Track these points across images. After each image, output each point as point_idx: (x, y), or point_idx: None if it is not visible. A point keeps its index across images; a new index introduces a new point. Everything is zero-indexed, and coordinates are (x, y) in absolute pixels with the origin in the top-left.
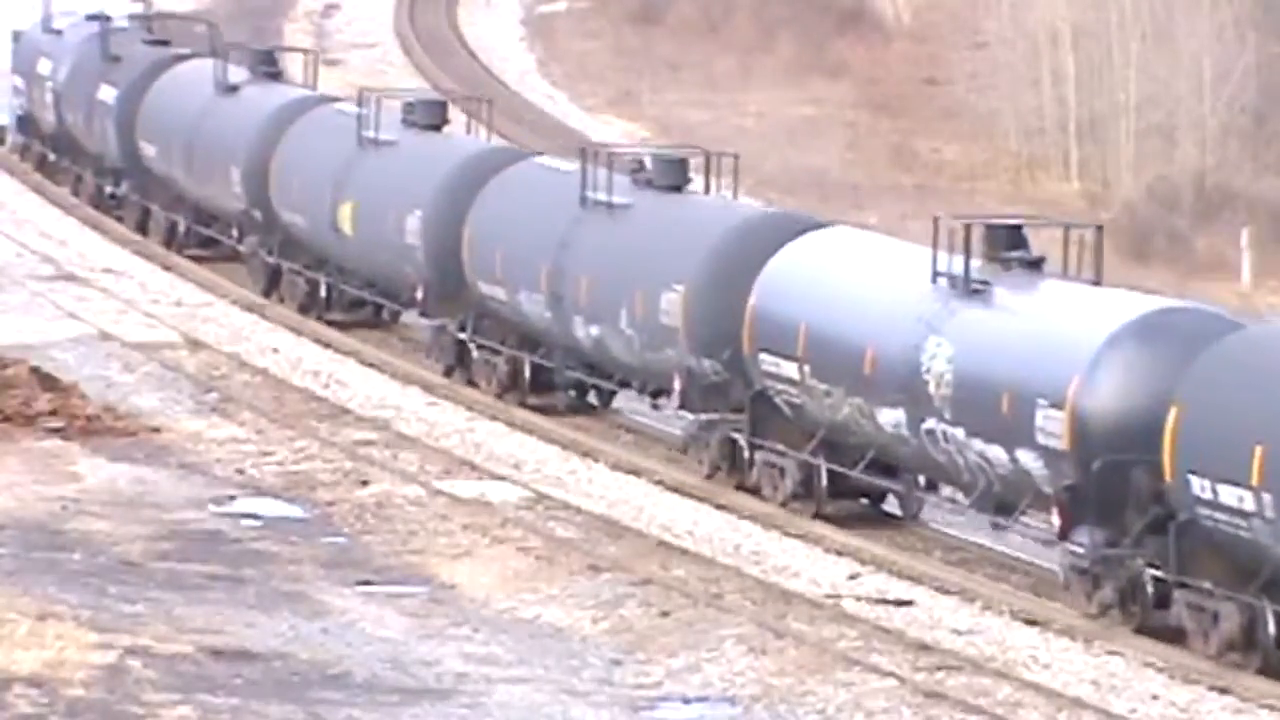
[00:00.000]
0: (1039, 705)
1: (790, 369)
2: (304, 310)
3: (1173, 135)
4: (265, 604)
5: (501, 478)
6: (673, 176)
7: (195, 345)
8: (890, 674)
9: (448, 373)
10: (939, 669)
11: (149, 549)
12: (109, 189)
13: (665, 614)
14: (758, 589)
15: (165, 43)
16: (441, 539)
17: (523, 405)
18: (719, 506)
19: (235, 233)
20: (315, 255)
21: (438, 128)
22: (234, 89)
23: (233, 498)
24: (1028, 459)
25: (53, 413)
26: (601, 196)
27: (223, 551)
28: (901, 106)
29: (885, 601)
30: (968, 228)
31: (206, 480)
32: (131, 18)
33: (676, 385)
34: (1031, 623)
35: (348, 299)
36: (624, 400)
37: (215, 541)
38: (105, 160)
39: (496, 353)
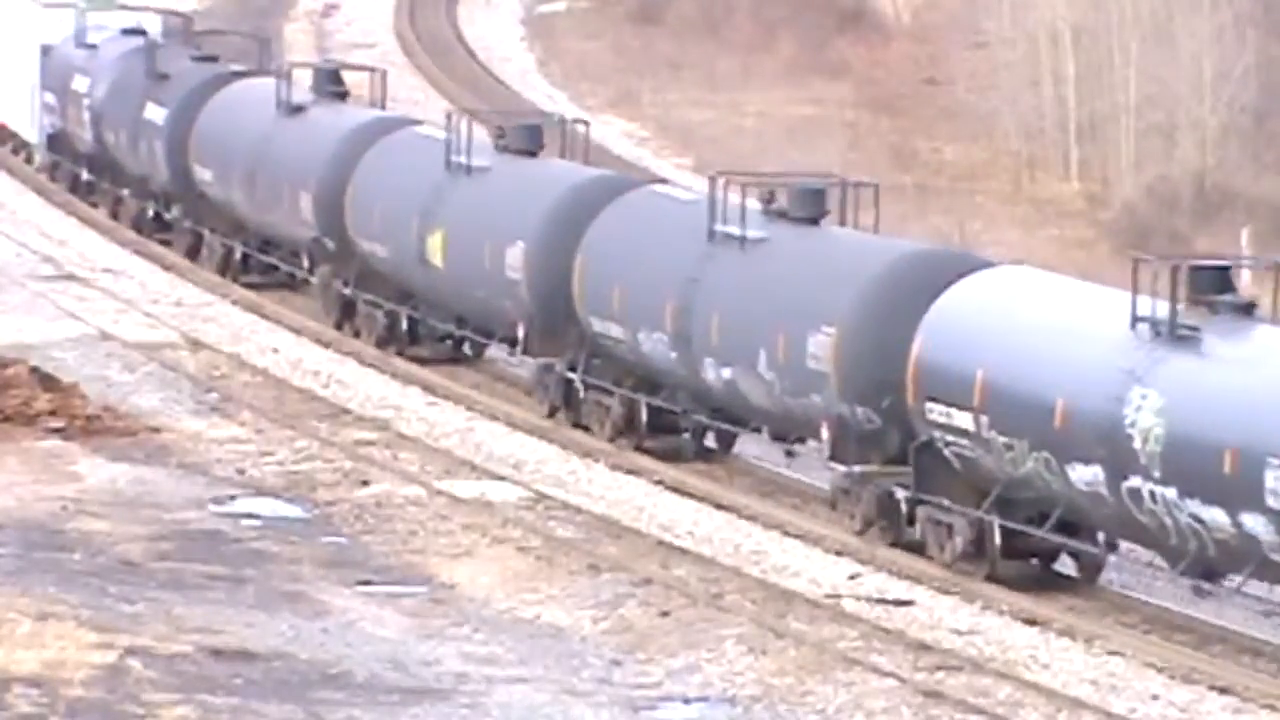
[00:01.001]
0: (1039, 705)
1: (963, 420)
2: (382, 345)
3: (1173, 135)
4: (265, 604)
5: (501, 478)
6: (809, 208)
7: (195, 345)
8: (890, 674)
9: (552, 413)
10: (939, 669)
11: (149, 549)
12: (151, 211)
13: (665, 614)
14: (758, 589)
15: (214, 59)
16: (441, 539)
17: (639, 449)
18: (719, 506)
19: (305, 262)
20: (397, 288)
21: (533, 153)
22: (299, 109)
23: (233, 498)
24: (1255, 523)
25: (53, 413)
26: (733, 230)
27: (223, 551)
28: (901, 106)
29: (885, 601)
30: (1175, 269)
31: (206, 480)
32: (172, 33)
33: (825, 434)
34: (1031, 623)
35: (434, 334)
36: (743, 445)
37: (215, 541)
38: (152, 183)
39: (609, 393)
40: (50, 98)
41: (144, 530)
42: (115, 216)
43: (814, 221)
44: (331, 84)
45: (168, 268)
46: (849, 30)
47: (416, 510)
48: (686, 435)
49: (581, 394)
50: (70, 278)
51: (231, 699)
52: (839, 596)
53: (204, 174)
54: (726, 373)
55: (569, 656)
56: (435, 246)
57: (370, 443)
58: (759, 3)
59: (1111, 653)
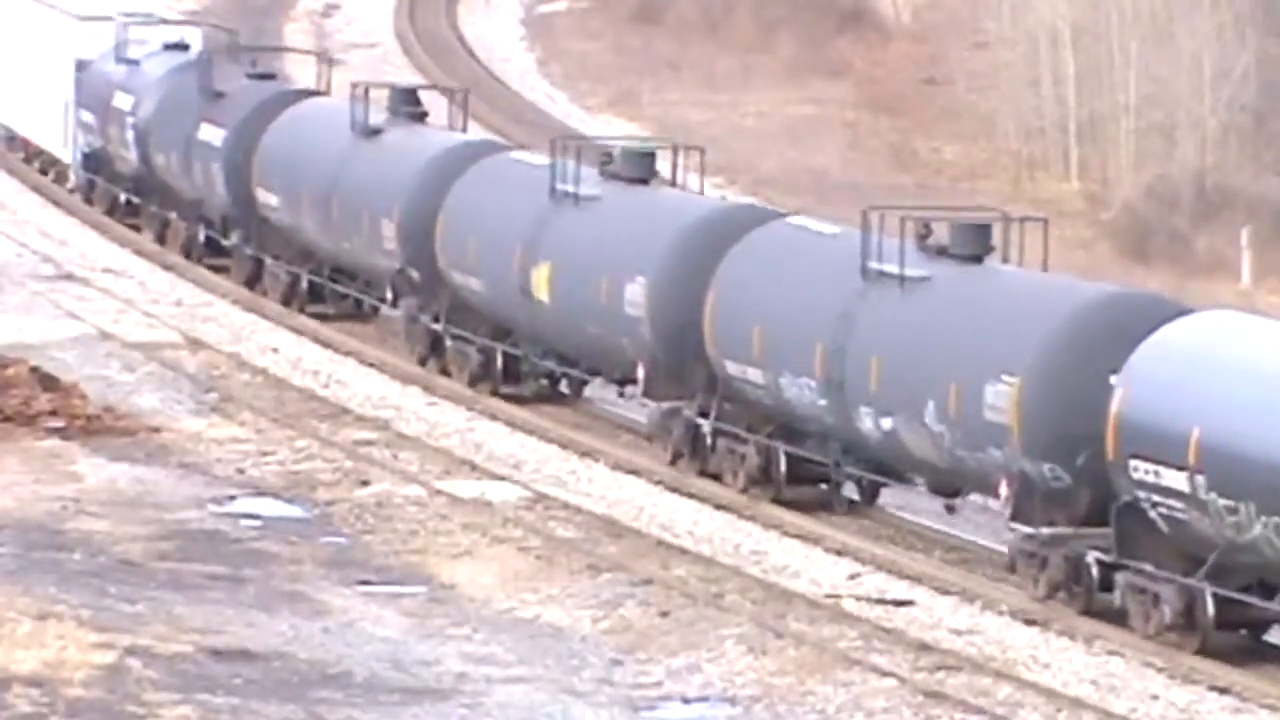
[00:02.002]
0: (1039, 705)
1: (1175, 479)
2: (475, 383)
3: (1173, 135)
4: (265, 604)
5: (501, 478)
6: (973, 244)
7: (195, 345)
8: (890, 674)
9: (675, 459)
10: (939, 669)
11: (149, 549)
12: (202, 235)
13: (665, 614)
14: (758, 589)
15: (270, 76)
16: (441, 539)
17: (776, 501)
18: (719, 507)
19: (389, 294)
20: (496, 323)
21: (645, 180)
22: (376, 132)
23: (233, 498)
24: None
25: (53, 413)
26: (890, 268)
27: (223, 551)
28: (901, 106)
29: (885, 601)
30: None
31: (206, 480)
32: (216, 47)
33: (1004, 492)
34: (1031, 623)
35: (536, 371)
36: (888, 496)
37: (215, 541)
38: (207, 207)
39: (743, 440)
40: (88, 115)
41: (144, 530)
42: (161, 241)
43: (978, 259)
44: (408, 104)
45: (168, 268)
46: (849, 30)
47: (416, 510)
48: (825, 485)
49: (709, 440)
50: (70, 278)
51: (231, 699)
52: (839, 596)
53: (269, 199)
54: (887, 423)
55: (569, 656)
56: (541, 280)
57: (370, 443)
58: (759, 3)
59: (1111, 653)
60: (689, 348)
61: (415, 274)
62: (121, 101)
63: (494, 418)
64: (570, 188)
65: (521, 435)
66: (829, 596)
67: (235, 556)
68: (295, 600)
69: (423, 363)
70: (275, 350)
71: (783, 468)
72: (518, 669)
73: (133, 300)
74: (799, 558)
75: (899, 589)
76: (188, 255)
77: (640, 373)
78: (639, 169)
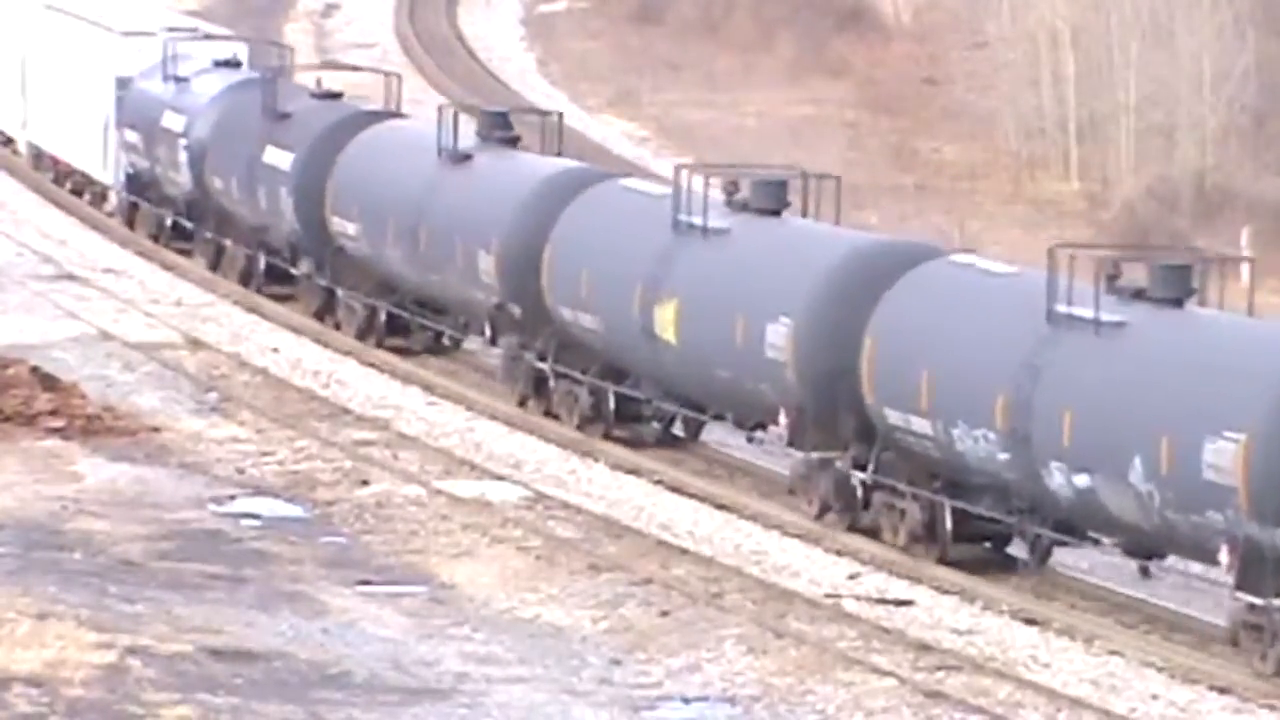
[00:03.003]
0: (1039, 705)
1: None
2: (585, 425)
3: (1173, 135)
4: (265, 604)
5: (501, 478)
6: (1174, 287)
7: (195, 345)
8: (890, 674)
9: (822, 512)
10: (939, 669)
11: (149, 549)
12: (262, 261)
13: (665, 614)
14: (758, 589)
15: (337, 96)
16: (441, 539)
17: (942, 561)
18: (719, 506)
19: (487, 330)
20: (610, 363)
21: (776, 212)
22: (466, 157)
23: (233, 498)
24: None
25: (53, 413)
26: (1082, 311)
27: (223, 551)
28: (901, 106)
29: (885, 601)
30: None
31: (206, 480)
32: (265, 64)
33: (1226, 558)
34: (1031, 623)
35: (660, 415)
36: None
37: (215, 541)
38: (272, 234)
39: (905, 495)
40: (132, 135)
41: (144, 530)
42: (215, 268)
43: (1178, 303)
44: (500, 128)
45: (168, 268)
46: (849, 30)
47: (416, 510)
48: (991, 544)
49: (860, 493)
50: (70, 278)
51: (231, 699)
52: (839, 596)
53: (345, 227)
54: (1081, 480)
55: (569, 656)
56: (666, 319)
57: (370, 442)
58: (759, 3)
59: (1111, 653)
60: (841, 395)
61: (516, 310)
62: (172, 121)
63: (494, 418)
64: (696, 220)
65: (521, 435)
66: (829, 596)
67: (235, 556)
68: (295, 600)
69: (523, 403)
70: (275, 350)
71: (948, 525)
72: (518, 669)
73: (133, 300)
74: (799, 558)
75: (899, 589)
76: (245, 283)
77: (783, 421)
78: (770, 199)
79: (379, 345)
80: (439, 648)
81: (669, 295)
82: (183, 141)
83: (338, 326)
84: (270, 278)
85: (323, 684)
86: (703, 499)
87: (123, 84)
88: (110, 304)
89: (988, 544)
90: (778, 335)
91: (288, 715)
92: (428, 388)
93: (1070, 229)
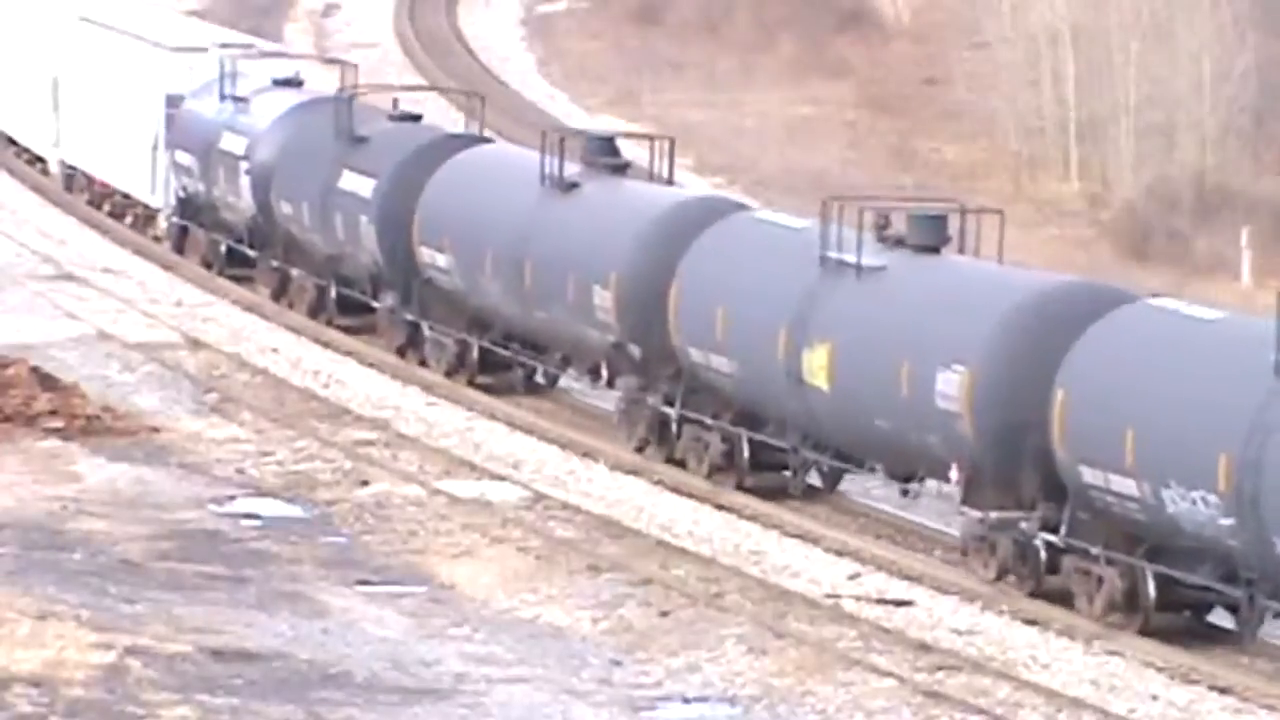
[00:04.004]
0: (1039, 705)
1: None
2: (715, 473)
3: (1173, 135)
4: (265, 604)
5: (501, 478)
6: None
7: (195, 345)
8: (890, 674)
9: (1000, 575)
10: (939, 669)
11: (149, 549)
12: (334, 292)
13: (665, 614)
14: (758, 589)
15: (415, 118)
16: (441, 539)
17: (1144, 632)
18: (719, 506)
19: (604, 370)
20: (748, 409)
21: (936, 249)
22: (573, 186)
23: (233, 498)
24: None
25: (53, 413)
26: None
27: (223, 551)
28: (901, 106)
29: (885, 601)
30: None
31: (206, 480)
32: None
33: None
34: (1031, 623)
35: (804, 465)
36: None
37: (215, 541)
38: (349, 264)
39: (1100, 560)
40: (185, 157)
41: (144, 530)
42: (277, 298)
43: None
44: (607, 154)
45: (167, 268)
46: (849, 30)
47: (416, 510)
48: (1192, 611)
49: (1043, 555)
50: (70, 278)
51: (231, 699)
52: (839, 596)
53: (436, 259)
54: None
55: (569, 656)
56: (817, 364)
57: (370, 443)
58: (759, 3)
59: (1111, 653)
60: (1026, 450)
61: (636, 350)
62: (231, 143)
63: (493, 417)
64: (848, 257)
65: (521, 435)
66: (829, 596)
67: (235, 556)
68: (295, 600)
69: (642, 448)
70: (275, 350)
71: (1151, 593)
72: (518, 669)
73: (133, 300)
74: (799, 558)
75: (899, 589)
76: (314, 315)
77: (954, 476)
78: (929, 235)
79: (470, 383)
80: (439, 648)
81: (819, 338)
82: (244, 165)
83: (423, 363)
84: (343, 309)
85: (323, 684)
86: (703, 499)
87: (173, 102)
88: (110, 304)
89: (1188, 612)
90: (950, 384)
91: (288, 715)
92: (428, 388)
93: (1070, 229)
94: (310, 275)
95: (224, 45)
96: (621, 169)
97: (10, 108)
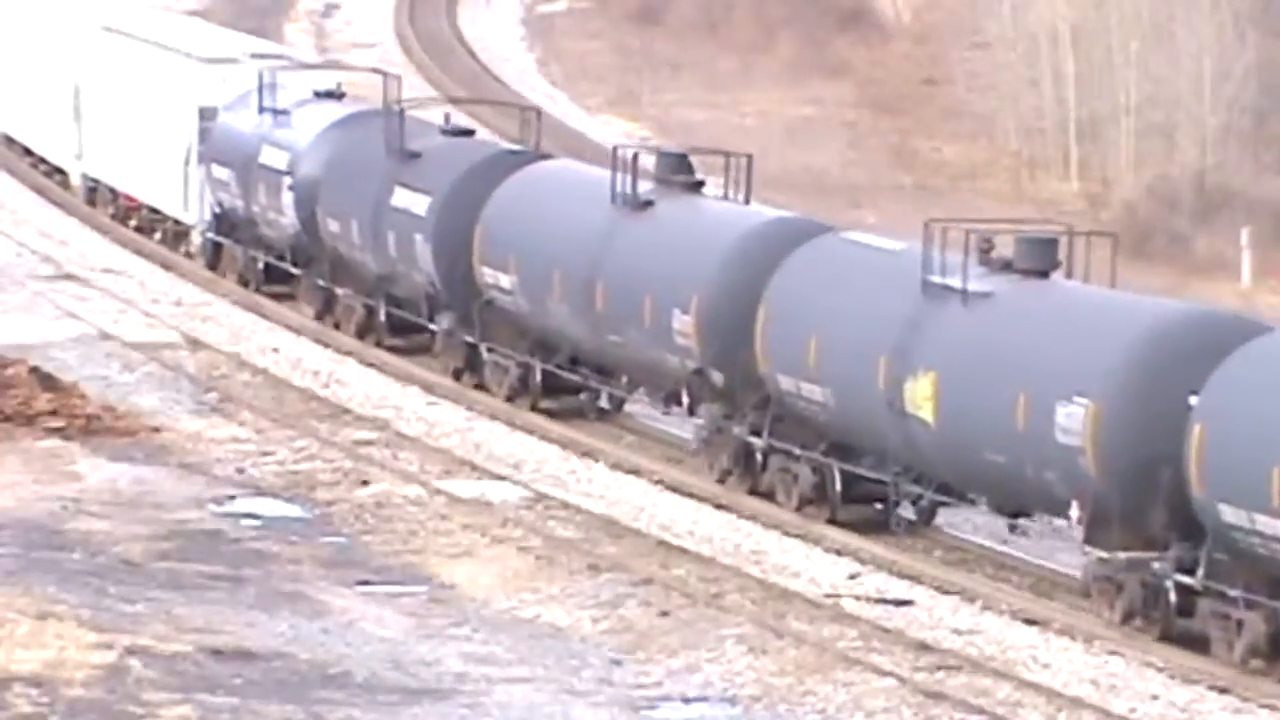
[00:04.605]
0: (1039, 705)
1: None
2: (805, 505)
3: (1173, 135)
4: (265, 604)
5: (501, 478)
6: None
7: (195, 345)
8: (890, 674)
9: (1126, 618)
10: (939, 669)
11: (149, 549)
12: (382, 313)
13: (665, 614)
14: (758, 589)
15: (468, 133)
16: (441, 539)
17: None
18: (719, 506)
19: (684, 398)
20: (842, 440)
21: (1045, 273)
22: (647, 204)
23: (233, 498)
24: None
25: (53, 413)
26: None
27: (223, 551)
28: (901, 106)
29: (885, 601)
30: None
31: (206, 480)
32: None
33: None
34: (1031, 623)
35: (908, 498)
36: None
37: (215, 541)
38: (402, 284)
39: (1241, 603)
40: (221, 171)
41: (144, 530)
42: (321, 317)
43: None
44: (680, 171)
45: (168, 268)
46: (849, 30)
47: (416, 510)
48: None
49: (1173, 598)
50: (70, 278)
51: (231, 699)
52: (839, 596)
53: (498, 279)
54: None
55: (569, 656)
56: (921, 396)
57: (370, 442)
58: (759, 3)
59: (1111, 653)
60: (1157, 488)
61: (718, 376)
62: (272, 158)
63: (494, 417)
64: (952, 282)
65: (521, 435)
66: (829, 596)
67: (235, 556)
68: (295, 600)
69: (724, 479)
70: (275, 350)
71: None
72: (518, 669)
73: (133, 300)
74: (799, 558)
75: (899, 589)
76: (362, 335)
77: (1075, 514)
78: (1039, 259)
79: (534, 408)
80: (439, 648)
81: (924, 367)
82: (287, 180)
83: (480, 385)
84: (394, 330)
85: (323, 684)
86: (703, 499)
87: (206, 115)
88: (110, 304)
89: None
90: (1071, 418)
91: (288, 715)
92: (428, 388)
93: None
94: (358, 294)
95: (258, 56)
96: (696, 186)
97: (28, 118)
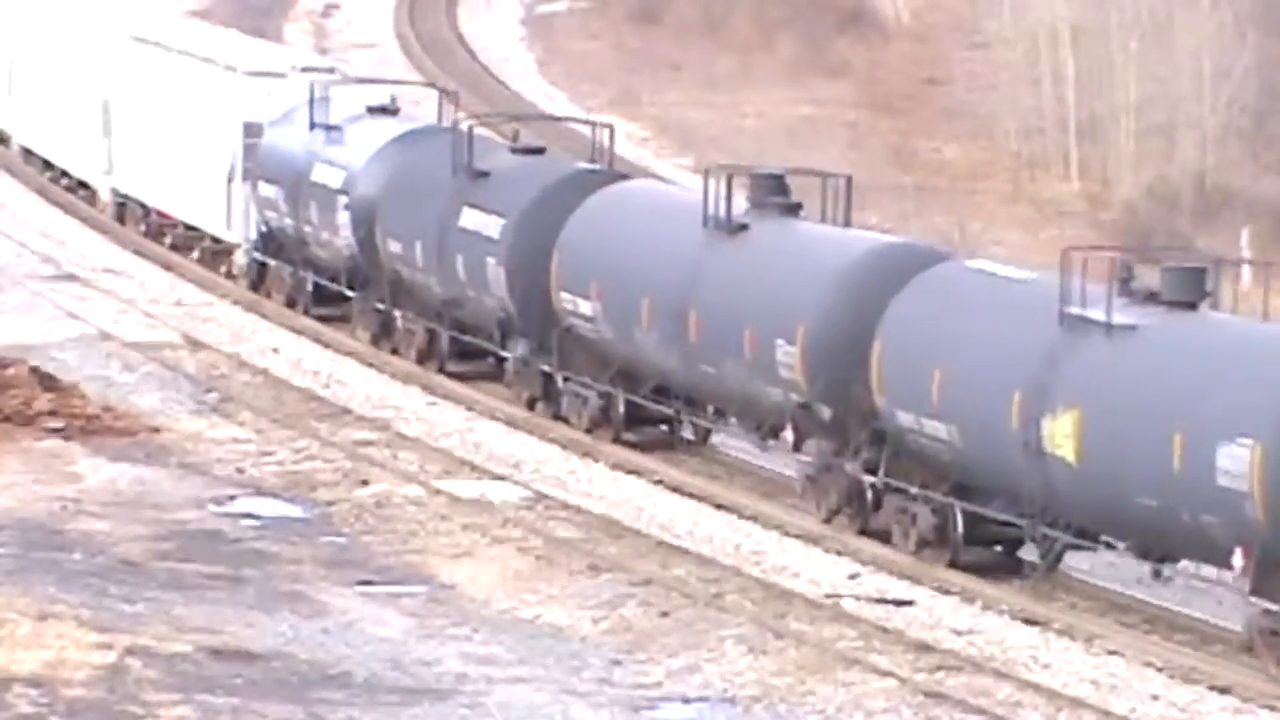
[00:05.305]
0: (1039, 705)
1: None
2: (924, 546)
3: (1173, 135)
4: (265, 604)
5: (501, 478)
6: None
7: (195, 345)
8: (890, 674)
9: None
10: (939, 669)
11: (149, 549)
12: (445, 337)
13: (665, 614)
14: (758, 589)
15: (539, 151)
16: (441, 539)
17: None
18: (719, 506)
19: (789, 433)
20: (968, 480)
21: (1193, 305)
22: (742, 228)
23: (233, 498)
24: None
25: (53, 413)
26: None
27: (223, 551)
28: (901, 106)
29: (885, 601)
30: None
31: (206, 480)
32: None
33: None
34: (1031, 623)
35: (1047, 545)
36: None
37: (215, 541)
38: (471, 309)
39: None
40: (269, 189)
41: (144, 530)
42: (377, 342)
43: None
44: (776, 193)
45: (168, 268)
46: (849, 30)
47: (416, 510)
48: None
49: None
50: (70, 278)
51: (231, 699)
52: (839, 596)
53: (579, 306)
54: None
55: (569, 656)
56: (1061, 434)
57: (370, 443)
58: (759, 3)
59: (1111, 653)
60: None
61: (827, 411)
62: (326, 176)
63: (494, 418)
64: (1094, 314)
65: (521, 435)
66: (829, 596)
67: (235, 556)
68: (295, 600)
69: (830, 518)
70: (275, 350)
71: None
72: (518, 669)
73: (133, 300)
74: (799, 558)
75: (899, 589)
76: (422, 361)
77: (1238, 562)
78: (1187, 289)
79: (616, 439)
80: (439, 648)
81: (1064, 404)
82: (343, 199)
83: (557, 416)
84: (459, 356)
85: (323, 684)
86: (703, 499)
87: (251, 130)
88: (110, 304)
89: None
90: (1235, 460)
91: (288, 715)
92: (427, 388)
93: (1070, 229)
94: (419, 319)
95: (307, 69)
96: (793, 209)
97: (51, 132)
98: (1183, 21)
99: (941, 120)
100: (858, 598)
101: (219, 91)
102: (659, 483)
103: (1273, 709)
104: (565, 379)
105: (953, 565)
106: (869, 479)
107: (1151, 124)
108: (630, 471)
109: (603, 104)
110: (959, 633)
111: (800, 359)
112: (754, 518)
